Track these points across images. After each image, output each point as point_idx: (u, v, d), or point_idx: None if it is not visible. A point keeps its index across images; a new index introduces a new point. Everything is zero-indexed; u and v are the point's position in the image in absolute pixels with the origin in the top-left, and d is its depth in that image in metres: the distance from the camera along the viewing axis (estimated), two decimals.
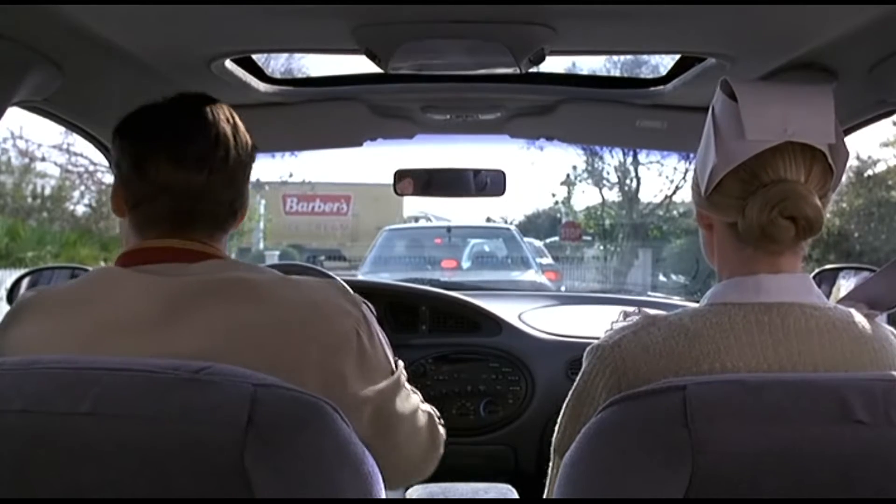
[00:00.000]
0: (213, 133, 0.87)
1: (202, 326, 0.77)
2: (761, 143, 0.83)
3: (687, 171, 11.86)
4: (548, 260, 10.28)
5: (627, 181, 13.48)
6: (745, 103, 0.85)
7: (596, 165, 13.51)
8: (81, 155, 13.21)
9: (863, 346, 0.82)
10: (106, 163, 1.57)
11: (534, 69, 1.19)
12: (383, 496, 0.74)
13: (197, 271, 0.83)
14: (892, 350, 0.84)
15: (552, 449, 0.94)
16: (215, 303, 0.80)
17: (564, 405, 0.93)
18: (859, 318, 0.85)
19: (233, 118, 0.93)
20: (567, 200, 14.05)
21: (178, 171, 0.85)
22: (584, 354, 0.91)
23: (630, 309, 0.92)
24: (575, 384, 0.91)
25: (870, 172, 12.06)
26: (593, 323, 1.96)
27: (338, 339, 0.83)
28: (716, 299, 0.87)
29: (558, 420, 0.93)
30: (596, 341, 0.90)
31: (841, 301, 0.92)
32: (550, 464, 0.95)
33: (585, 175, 13.66)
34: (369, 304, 0.91)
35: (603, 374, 0.86)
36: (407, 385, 0.97)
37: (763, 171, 0.84)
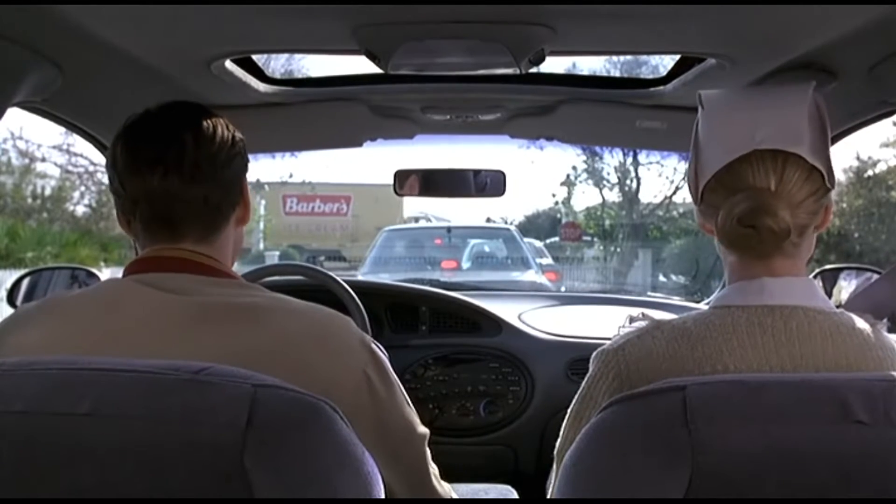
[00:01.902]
0: (164, 136, 0.86)
1: (203, 348, 0.76)
2: (729, 154, 0.84)
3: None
4: (548, 260, 10.29)
5: (627, 182, 13.49)
6: (712, 115, 0.87)
7: (596, 166, 13.54)
8: (81, 155, 13.24)
9: (866, 351, 0.82)
10: None
11: (534, 69, 1.19)
12: (383, 497, 0.74)
13: (195, 290, 0.82)
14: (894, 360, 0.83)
15: (554, 453, 0.94)
16: (217, 327, 0.79)
17: (569, 410, 0.93)
18: (863, 324, 0.84)
19: (197, 119, 0.89)
20: (567, 201, 14.07)
21: (134, 178, 0.85)
22: (591, 359, 0.91)
23: (636, 314, 0.92)
24: (580, 389, 0.91)
25: (870, 173, 12.07)
26: (593, 323, 1.96)
27: (343, 377, 0.82)
28: (720, 303, 0.88)
29: (563, 425, 0.93)
30: (602, 346, 0.90)
31: (846, 308, 0.92)
32: (553, 468, 0.95)
33: (585, 175, 13.68)
34: (382, 349, 0.90)
35: (606, 378, 0.86)
36: (429, 452, 0.95)
37: (734, 180, 0.85)
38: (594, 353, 0.90)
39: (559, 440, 0.93)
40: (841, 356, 0.81)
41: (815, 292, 0.86)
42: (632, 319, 0.91)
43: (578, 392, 0.91)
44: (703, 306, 1.91)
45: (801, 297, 0.84)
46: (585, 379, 0.91)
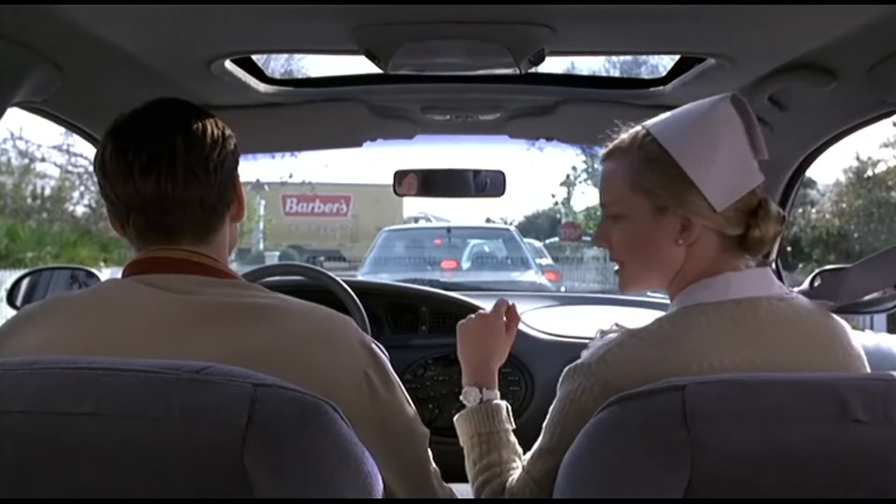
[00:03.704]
0: (154, 140, 0.84)
1: (205, 349, 0.76)
2: (756, 172, 0.92)
3: None
4: (547, 260, 10.28)
5: None
6: (726, 139, 0.90)
7: (596, 166, 13.55)
8: (81, 155, 13.28)
9: (829, 329, 0.90)
10: None
11: (533, 70, 1.19)
12: (383, 496, 0.74)
13: (196, 290, 0.82)
14: (847, 337, 0.91)
15: (526, 465, 0.95)
16: (218, 326, 0.79)
17: (545, 427, 0.92)
18: (814, 306, 0.91)
19: (186, 120, 0.87)
20: (567, 201, 14.10)
21: (126, 185, 0.84)
22: (565, 375, 0.90)
23: (606, 327, 0.92)
24: (556, 408, 0.90)
25: (870, 173, 12.08)
26: (593, 323, 1.95)
27: (344, 377, 0.82)
28: (687, 302, 0.90)
29: (537, 445, 0.93)
30: (575, 362, 0.89)
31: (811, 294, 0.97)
32: (517, 476, 0.96)
33: (585, 176, 13.70)
34: (383, 349, 0.90)
35: (591, 391, 0.84)
36: (430, 453, 0.95)
37: (751, 193, 0.91)
38: (568, 369, 0.89)
39: (532, 455, 0.94)
40: (807, 337, 0.86)
41: (772, 281, 0.91)
42: (603, 333, 0.91)
43: (556, 411, 0.90)
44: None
45: (762, 288, 0.89)
46: (564, 395, 0.89)
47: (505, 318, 1.20)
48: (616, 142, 0.99)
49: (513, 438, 1.07)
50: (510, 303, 1.22)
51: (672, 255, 0.92)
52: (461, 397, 1.11)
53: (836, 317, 0.92)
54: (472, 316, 1.20)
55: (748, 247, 0.91)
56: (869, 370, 0.91)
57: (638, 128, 0.97)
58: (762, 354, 0.83)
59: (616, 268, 1.00)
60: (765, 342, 0.84)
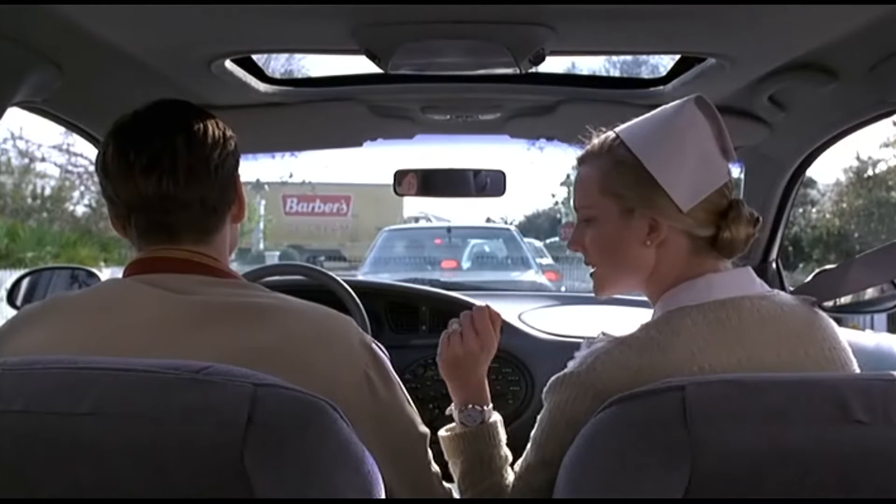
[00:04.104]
0: (155, 141, 0.85)
1: (206, 349, 0.76)
2: (724, 172, 0.92)
3: None
4: (548, 260, 10.28)
5: None
6: (691, 139, 0.91)
7: None
8: (81, 155, 13.28)
9: (812, 324, 0.89)
10: None
11: (534, 69, 1.19)
12: (383, 496, 0.74)
13: (197, 290, 0.82)
14: (833, 330, 0.90)
15: (517, 476, 0.95)
16: (219, 326, 0.79)
17: (532, 437, 0.92)
18: (797, 301, 0.91)
19: (187, 120, 0.87)
20: (567, 201, 14.07)
21: (128, 185, 0.84)
22: (552, 386, 0.89)
23: (593, 336, 0.92)
24: (545, 418, 0.90)
25: (870, 173, 12.08)
26: (593, 323, 1.96)
27: (344, 377, 0.82)
28: (671, 305, 0.90)
29: (531, 460, 0.92)
30: (561, 373, 0.89)
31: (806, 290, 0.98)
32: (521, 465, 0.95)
33: None
34: (383, 349, 0.90)
35: (584, 400, 0.84)
36: (430, 453, 0.95)
37: (721, 192, 0.92)
38: (555, 379, 0.89)
39: (526, 468, 0.93)
40: (792, 333, 0.86)
41: (753, 279, 0.92)
42: (589, 342, 0.91)
43: (545, 421, 0.90)
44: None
45: (744, 287, 0.89)
46: (553, 405, 0.88)
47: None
48: (588, 147, 1.00)
49: (507, 452, 1.06)
50: (485, 305, 1.09)
51: (641, 257, 0.93)
52: (457, 416, 1.07)
53: (820, 312, 0.92)
54: (456, 350, 1.04)
55: (719, 248, 0.91)
56: (856, 363, 0.90)
57: (609, 133, 0.98)
58: (749, 354, 0.83)
59: (591, 271, 1.01)
60: (751, 341, 0.84)
